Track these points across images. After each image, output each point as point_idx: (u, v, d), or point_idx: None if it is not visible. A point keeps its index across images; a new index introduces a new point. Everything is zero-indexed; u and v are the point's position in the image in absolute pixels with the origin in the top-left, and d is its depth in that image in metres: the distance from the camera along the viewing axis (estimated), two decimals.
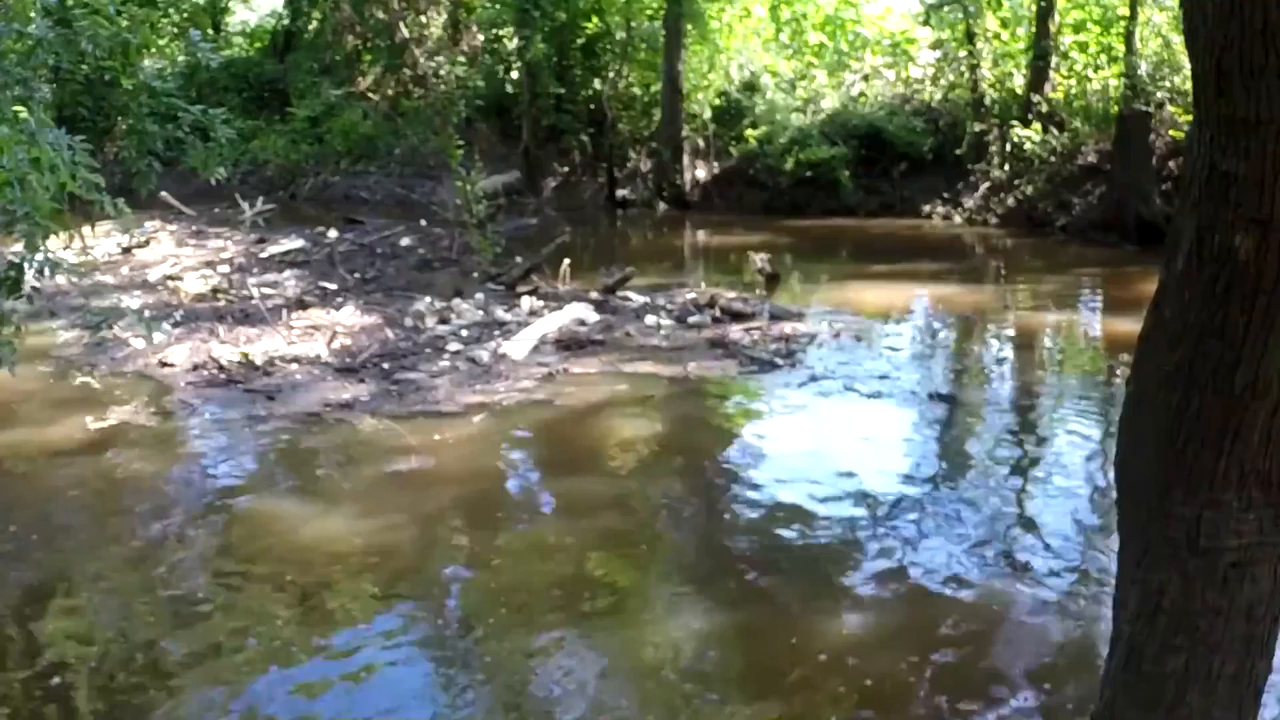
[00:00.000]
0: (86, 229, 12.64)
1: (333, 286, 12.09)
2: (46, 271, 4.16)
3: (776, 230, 17.03)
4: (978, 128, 18.60)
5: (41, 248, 4.07)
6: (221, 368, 8.98)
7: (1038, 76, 18.19)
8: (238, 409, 8.10)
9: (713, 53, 20.69)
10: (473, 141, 16.18)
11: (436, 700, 4.54)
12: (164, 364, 9.15)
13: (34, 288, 4.35)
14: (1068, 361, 10.58)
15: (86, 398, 8.43)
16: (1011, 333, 11.52)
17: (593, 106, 20.91)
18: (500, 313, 10.73)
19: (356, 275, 12.77)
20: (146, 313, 10.28)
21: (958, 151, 18.64)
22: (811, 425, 8.06)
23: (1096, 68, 18.58)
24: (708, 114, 20.19)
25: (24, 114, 4.16)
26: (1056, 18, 18.33)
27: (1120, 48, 17.75)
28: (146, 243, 14.92)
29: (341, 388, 8.48)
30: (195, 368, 9.06)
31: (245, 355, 9.20)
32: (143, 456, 7.31)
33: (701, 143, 20.27)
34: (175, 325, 10.32)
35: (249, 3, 26.95)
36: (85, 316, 8.18)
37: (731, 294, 11.69)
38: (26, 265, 4.16)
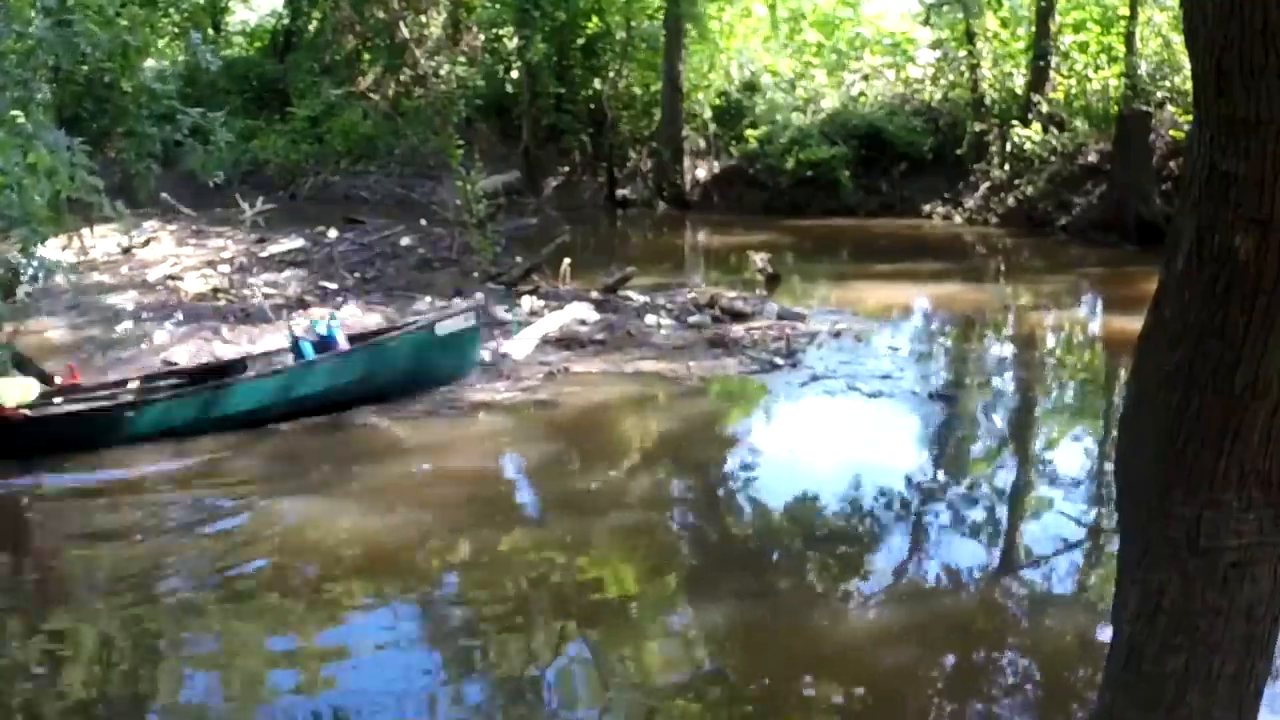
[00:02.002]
0: (86, 230, 12.68)
1: (333, 286, 12.09)
2: (41, 276, 4.17)
3: (776, 230, 17.03)
4: (978, 128, 18.59)
5: (36, 251, 4.08)
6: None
7: (1038, 76, 18.18)
8: None
9: (713, 53, 20.69)
10: (473, 141, 16.17)
11: (438, 700, 4.54)
12: (166, 363, 9.15)
13: (28, 293, 4.36)
14: (1068, 361, 10.59)
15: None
16: (1012, 333, 11.53)
17: (593, 106, 20.91)
18: (501, 312, 10.73)
19: (356, 275, 12.77)
20: (144, 314, 10.34)
21: (958, 151, 18.63)
22: (813, 425, 8.06)
23: (1096, 68, 18.58)
24: (708, 114, 20.19)
25: (21, 119, 4.16)
26: (1056, 18, 18.32)
27: (1120, 48, 17.74)
28: (147, 243, 14.92)
29: None
30: None
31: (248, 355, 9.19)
32: (144, 454, 7.29)
33: (701, 143, 20.27)
34: (177, 325, 10.32)
35: (249, 3, 26.93)
36: (85, 317, 8.17)
37: (732, 294, 11.69)
38: (21, 269, 4.17)
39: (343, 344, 8.10)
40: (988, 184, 18.21)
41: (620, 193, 20.26)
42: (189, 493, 6.84)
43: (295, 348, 8.06)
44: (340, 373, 7.86)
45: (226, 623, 5.11)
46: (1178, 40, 16.23)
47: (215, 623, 5.11)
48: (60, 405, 7.60)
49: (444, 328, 8.17)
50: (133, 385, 8.05)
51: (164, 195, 15.45)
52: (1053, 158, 17.49)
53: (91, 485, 6.85)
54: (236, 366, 8.31)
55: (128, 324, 9.29)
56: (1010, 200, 17.75)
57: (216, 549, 5.96)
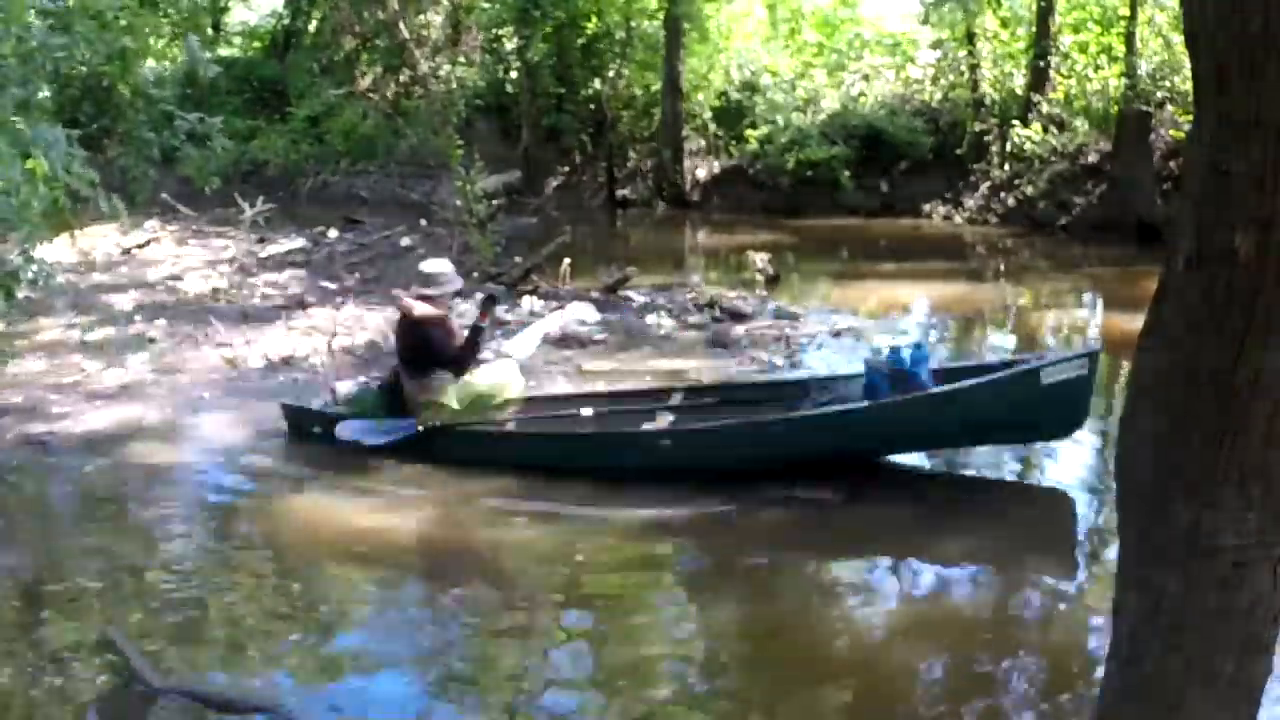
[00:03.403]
0: (85, 230, 12.68)
1: (333, 286, 12.10)
2: (41, 280, 4.18)
3: (777, 230, 17.02)
4: (978, 128, 18.58)
5: (36, 258, 4.09)
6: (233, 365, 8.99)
7: (1038, 76, 18.17)
8: (247, 406, 8.08)
9: (713, 53, 20.69)
10: (473, 141, 16.17)
11: (438, 699, 4.54)
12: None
13: (27, 296, 4.37)
14: None
15: (92, 394, 8.41)
16: (1012, 332, 11.52)
17: (593, 106, 20.90)
18: (501, 312, 10.72)
19: (356, 275, 12.77)
20: (138, 316, 10.37)
21: (958, 151, 18.62)
22: None
23: (1096, 68, 18.56)
24: (708, 114, 20.18)
25: (20, 124, 4.17)
26: (1056, 18, 18.31)
27: (1120, 48, 17.71)
28: (147, 243, 14.93)
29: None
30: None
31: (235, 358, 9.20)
32: (148, 452, 7.29)
33: (701, 143, 20.28)
34: (178, 325, 10.33)
35: (249, 3, 26.93)
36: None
37: (732, 294, 11.69)
38: (20, 274, 4.19)
39: (925, 380, 6.64)
40: (988, 184, 18.20)
41: (620, 193, 20.26)
42: (191, 487, 6.84)
43: (870, 383, 6.64)
44: (911, 420, 6.47)
45: (223, 620, 5.10)
46: (1178, 40, 16.22)
47: (212, 620, 5.10)
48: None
49: (1050, 375, 6.22)
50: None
51: (164, 196, 15.46)
52: (1053, 158, 17.48)
53: None
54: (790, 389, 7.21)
55: (126, 324, 9.29)
56: (1010, 200, 17.74)
57: (216, 546, 5.96)
